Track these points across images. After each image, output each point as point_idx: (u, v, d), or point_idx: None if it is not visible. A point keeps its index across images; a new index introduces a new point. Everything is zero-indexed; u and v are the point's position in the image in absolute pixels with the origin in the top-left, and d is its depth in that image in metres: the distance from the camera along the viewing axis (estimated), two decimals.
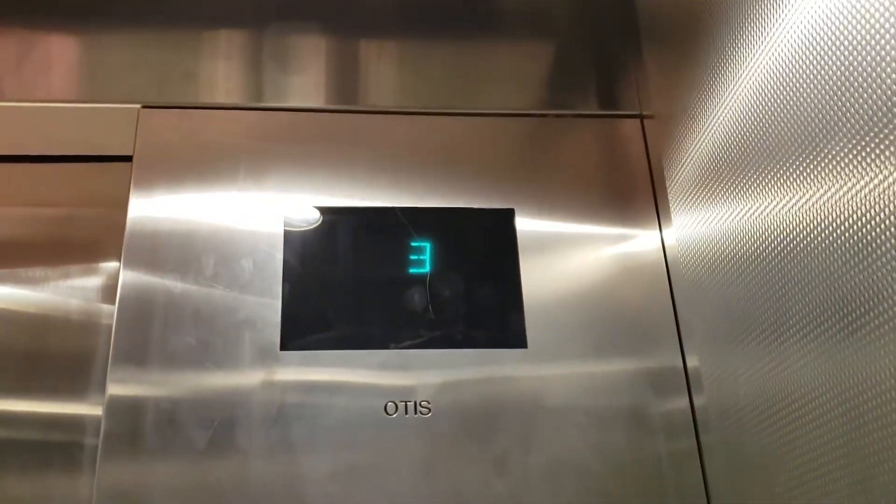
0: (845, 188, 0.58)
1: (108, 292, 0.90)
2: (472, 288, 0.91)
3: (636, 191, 0.98)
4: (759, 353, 0.71)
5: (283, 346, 0.86)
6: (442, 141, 1.00)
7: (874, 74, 0.55)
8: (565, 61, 1.08)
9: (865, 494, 0.56)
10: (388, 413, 0.84)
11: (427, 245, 0.93)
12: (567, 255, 0.94)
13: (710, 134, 0.81)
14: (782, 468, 0.67)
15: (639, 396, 0.87)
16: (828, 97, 0.61)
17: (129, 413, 0.82)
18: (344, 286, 0.91)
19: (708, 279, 0.82)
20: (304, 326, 0.87)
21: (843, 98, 0.58)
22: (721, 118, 0.79)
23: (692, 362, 0.87)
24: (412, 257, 0.92)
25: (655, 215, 0.97)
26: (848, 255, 0.58)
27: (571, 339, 0.89)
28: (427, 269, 0.92)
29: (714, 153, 0.81)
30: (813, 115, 0.63)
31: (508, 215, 0.95)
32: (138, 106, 0.98)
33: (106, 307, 0.89)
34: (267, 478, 0.81)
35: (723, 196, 0.79)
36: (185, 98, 1.01)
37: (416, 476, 0.82)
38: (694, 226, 0.86)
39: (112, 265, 0.91)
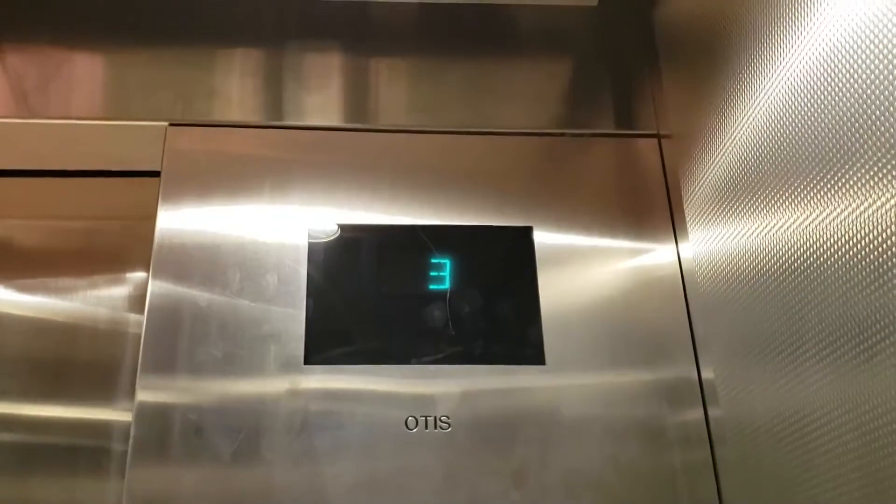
0: (861, 207, 0.59)
1: (136, 302, 0.92)
2: (492, 304, 0.93)
3: (653, 208, 1.00)
4: (775, 370, 0.72)
5: (307, 360, 0.88)
6: (461, 159, 1.02)
7: (892, 97, 0.56)
8: (583, 81, 1.09)
9: None
10: (408, 427, 0.86)
11: (447, 262, 0.95)
12: (584, 272, 0.96)
13: (727, 153, 0.83)
14: (798, 486, 0.68)
15: (654, 408, 0.88)
16: (845, 118, 0.62)
17: (157, 419, 0.84)
18: (366, 302, 0.93)
19: (724, 295, 0.83)
20: (328, 341, 0.89)
21: (861, 119, 0.60)
22: (737, 138, 0.80)
23: (707, 374, 0.88)
24: (433, 273, 0.94)
25: (672, 232, 0.98)
26: (864, 275, 0.59)
27: (589, 354, 0.91)
28: (447, 285, 0.94)
29: (730, 172, 0.82)
30: (829, 135, 0.64)
31: (527, 233, 0.97)
32: (165, 123, 1.01)
33: (133, 317, 0.92)
34: (290, 487, 0.82)
35: (739, 213, 0.80)
36: (209, 116, 1.03)
37: (436, 489, 0.83)
38: (710, 242, 0.87)
39: (140, 276, 0.94)
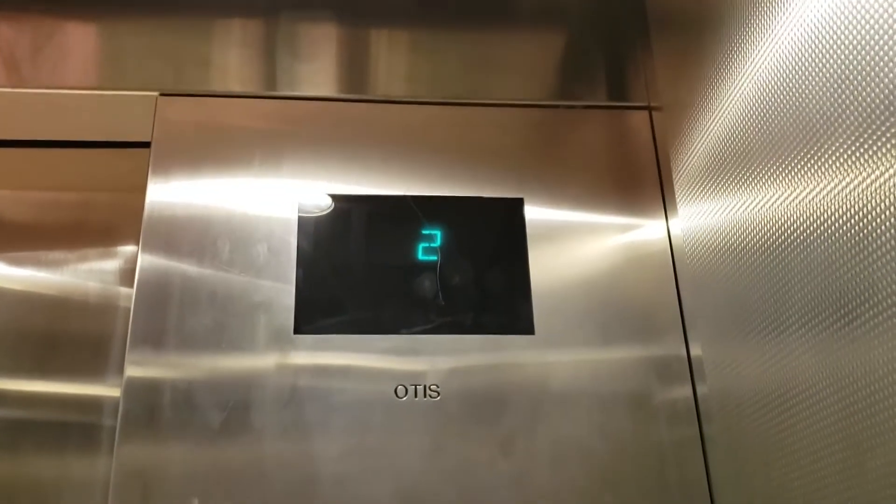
0: (845, 182, 0.60)
1: (126, 276, 0.92)
2: (482, 275, 0.94)
3: (643, 181, 1.00)
4: (761, 345, 0.73)
5: (297, 330, 0.88)
6: (453, 130, 1.02)
7: (875, 70, 0.56)
8: (576, 53, 1.09)
9: (858, 478, 0.58)
10: (398, 396, 0.86)
11: (438, 232, 0.95)
12: (575, 244, 0.96)
13: (716, 126, 0.83)
14: (780, 454, 0.69)
15: (643, 382, 0.89)
16: (830, 92, 0.62)
17: (146, 394, 0.84)
18: (356, 272, 0.93)
19: (712, 270, 0.84)
20: (318, 310, 0.90)
21: (845, 94, 0.60)
22: (727, 111, 0.80)
23: (695, 351, 0.89)
24: (423, 244, 0.94)
25: (662, 206, 0.98)
26: (845, 249, 0.60)
27: (578, 326, 0.91)
28: (437, 256, 0.94)
29: (719, 145, 0.82)
30: (815, 109, 0.64)
31: (518, 204, 0.97)
32: (156, 93, 1.00)
33: (124, 290, 0.92)
34: (280, 456, 0.83)
35: (728, 188, 0.80)
36: (201, 86, 1.03)
37: (425, 457, 0.84)
38: (699, 217, 0.87)
39: (130, 249, 0.94)
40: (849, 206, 0.59)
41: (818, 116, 0.64)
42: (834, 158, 0.61)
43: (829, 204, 0.62)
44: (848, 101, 0.60)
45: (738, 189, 0.78)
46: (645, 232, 0.97)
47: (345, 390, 0.86)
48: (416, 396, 0.86)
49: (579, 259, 0.95)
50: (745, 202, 0.76)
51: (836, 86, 0.61)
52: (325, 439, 0.84)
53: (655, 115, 1.02)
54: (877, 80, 0.56)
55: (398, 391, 0.87)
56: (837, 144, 0.61)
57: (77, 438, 0.86)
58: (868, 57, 0.57)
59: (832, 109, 0.62)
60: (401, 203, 0.96)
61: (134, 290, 0.89)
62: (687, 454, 0.86)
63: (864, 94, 0.58)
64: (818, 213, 0.64)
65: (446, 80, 1.05)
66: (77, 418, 0.87)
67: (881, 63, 0.56)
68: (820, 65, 0.63)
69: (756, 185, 0.74)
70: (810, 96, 0.65)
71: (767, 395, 0.71)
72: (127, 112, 1.00)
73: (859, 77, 0.58)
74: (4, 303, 0.92)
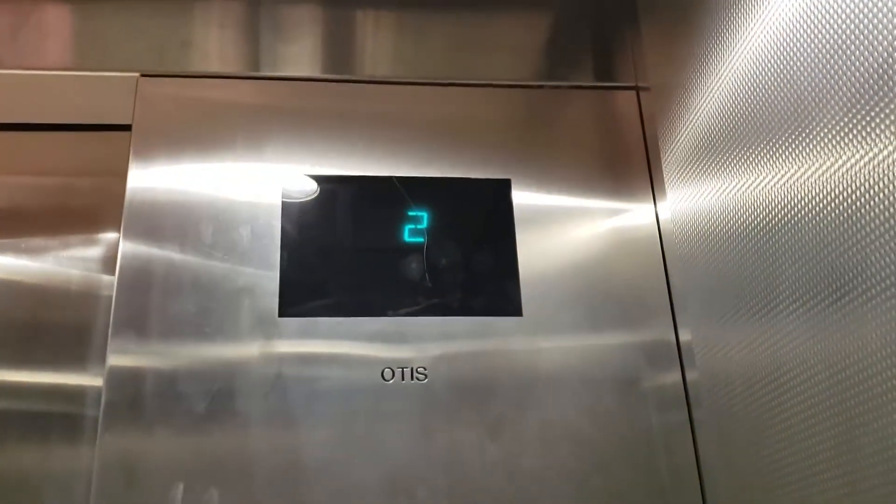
0: (840, 162, 0.59)
1: (108, 262, 0.90)
2: (469, 256, 0.93)
3: (631, 162, 0.99)
4: (751, 325, 0.72)
5: (282, 313, 0.87)
6: (439, 111, 1.00)
7: (869, 39, 0.56)
8: (562, 32, 1.08)
9: (849, 454, 0.58)
10: (384, 379, 0.85)
11: (424, 214, 0.94)
12: (562, 225, 0.95)
13: (705, 107, 0.82)
14: (771, 434, 0.69)
15: (631, 369, 0.89)
16: (821, 66, 0.61)
17: (129, 383, 0.83)
18: (341, 254, 0.92)
19: (701, 253, 0.83)
20: (302, 293, 0.88)
21: (837, 66, 0.59)
22: (715, 91, 0.80)
23: (685, 336, 0.88)
24: (409, 226, 0.93)
25: (650, 188, 0.98)
26: (838, 228, 0.59)
27: (566, 309, 0.91)
28: (424, 237, 0.93)
29: (708, 127, 0.81)
30: (807, 85, 0.64)
31: (505, 185, 0.96)
32: (137, 74, 0.98)
33: (106, 278, 0.90)
34: (266, 443, 0.82)
35: (717, 170, 0.80)
36: (183, 67, 1.01)
37: (413, 440, 0.83)
38: (688, 200, 0.87)
39: (111, 235, 0.92)
40: (843, 187, 0.59)
41: (810, 93, 0.63)
42: (827, 138, 0.61)
43: (823, 184, 0.61)
44: (840, 74, 0.59)
45: (729, 170, 0.77)
46: (633, 214, 0.96)
47: (330, 374, 0.85)
48: (402, 379, 0.86)
49: (567, 240, 0.94)
50: (735, 184, 0.76)
51: (827, 59, 0.61)
52: (310, 423, 0.83)
53: (643, 96, 1.01)
54: (869, 48, 0.56)
55: (385, 374, 0.86)
56: (829, 123, 0.60)
57: (58, 429, 0.84)
58: (860, 28, 0.57)
59: (824, 84, 0.61)
60: (386, 184, 0.95)
61: (116, 278, 0.87)
62: (676, 439, 0.86)
63: (856, 66, 0.57)
64: (811, 194, 0.63)
65: (432, 59, 1.04)
66: (58, 408, 0.85)
67: (874, 33, 0.55)
68: (811, 39, 0.63)
69: (747, 166, 0.74)
70: (802, 72, 0.64)
71: (759, 376, 0.71)
72: (107, 93, 0.98)
73: (852, 47, 0.58)
74: None
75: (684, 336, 0.89)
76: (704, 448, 0.84)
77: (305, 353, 0.86)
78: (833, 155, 0.60)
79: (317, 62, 1.04)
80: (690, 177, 0.86)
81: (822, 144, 0.61)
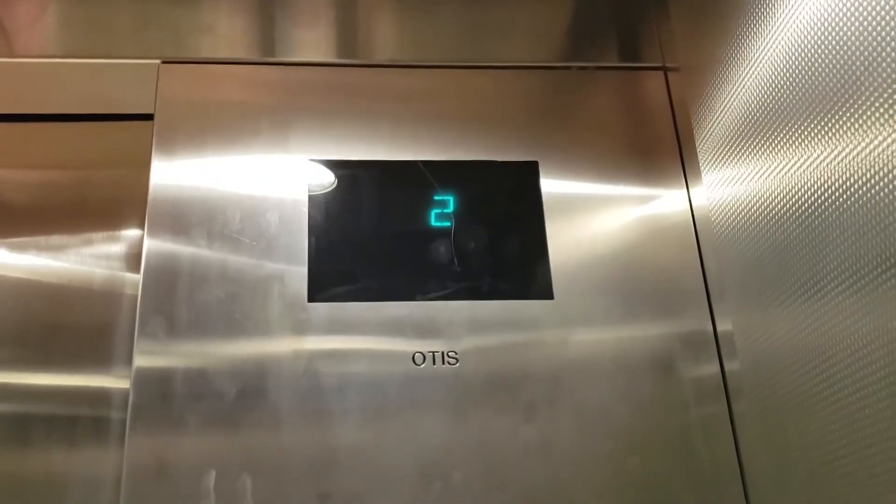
0: (885, 140, 0.58)
1: (131, 260, 0.88)
2: (497, 240, 0.91)
3: (661, 145, 0.97)
4: (796, 310, 0.70)
5: (311, 298, 0.86)
6: (463, 94, 0.99)
7: None
8: (586, 12, 1.06)
9: None
10: (415, 363, 0.84)
11: (451, 198, 0.93)
12: (591, 208, 0.94)
13: (744, 85, 0.80)
14: (819, 416, 0.67)
15: (667, 358, 0.87)
16: (871, 39, 0.60)
17: (157, 385, 0.81)
18: (369, 239, 0.91)
19: (741, 239, 0.81)
20: (331, 279, 0.87)
21: (888, 38, 0.58)
22: (755, 68, 0.77)
23: (723, 326, 0.86)
24: (436, 210, 0.92)
25: (682, 172, 0.96)
26: (887, 205, 0.57)
27: (598, 294, 0.89)
28: (451, 221, 0.92)
29: (747, 106, 0.79)
30: (855, 60, 0.61)
31: (532, 168, 0.95)
32: (158, 61, 0.97)
33: (129, 276, 0.88)
34: (298, 429, 0.81)
35: (758, 151, 0.77)
36: (202, 53, 1.00)
37: (445, 424, 0.82)
38: (726, 184, 0.84)
39: (134, 231, 0.89)
40: (892, 165, 0.57)
41: (859, 65, 0.61)
42: (879, 112, 0.58)
43: (873, 161, 0.59)
44: (892, 42, 0.57)
45: (772, 151, 0.75)
46: (665, 199, 0.95)
47: (361, 359, 0.84)
48: (434, 363, 0.84)
49: (597, 223, 0.93)
50: (779, 164, 0.73)
51: (882, 26, 0.58)
52: (342, 408, 0.82)
53: (672, 77, 1.00)
54: None
55: (416, 358, 0.84)
56: (881, 96, 0.58)
57: (84, 432, 0.81)
58: None
59: (876, 55, 0.59)
60: (412, 168, 0.94)
61: (141, 276, 0.86)
62: (715, 427, 0.84)
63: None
64: (860, 170, 0.61)
65: (455, 43, 1.03)
66: (83, 412, 0.82)
67: None
68: (861, 6, 0.61)
69: (792, 145, 0.71)
70: (851, 42, 0.62)
71: (806, 359, 0.69)
72: (128, 81, 0.97)
73: (890, 36, 0.56)
74: (3, 291, 0.87)
75: (723, 326, 0.86)
76: (745, 436, 0.82)
77: (335, 339, 0.85)
78: (879, 133, 0.58)
79: (340, 47, 1.03)
80: (729, 159, 0.83)
81: (875, 119, 0.59)
